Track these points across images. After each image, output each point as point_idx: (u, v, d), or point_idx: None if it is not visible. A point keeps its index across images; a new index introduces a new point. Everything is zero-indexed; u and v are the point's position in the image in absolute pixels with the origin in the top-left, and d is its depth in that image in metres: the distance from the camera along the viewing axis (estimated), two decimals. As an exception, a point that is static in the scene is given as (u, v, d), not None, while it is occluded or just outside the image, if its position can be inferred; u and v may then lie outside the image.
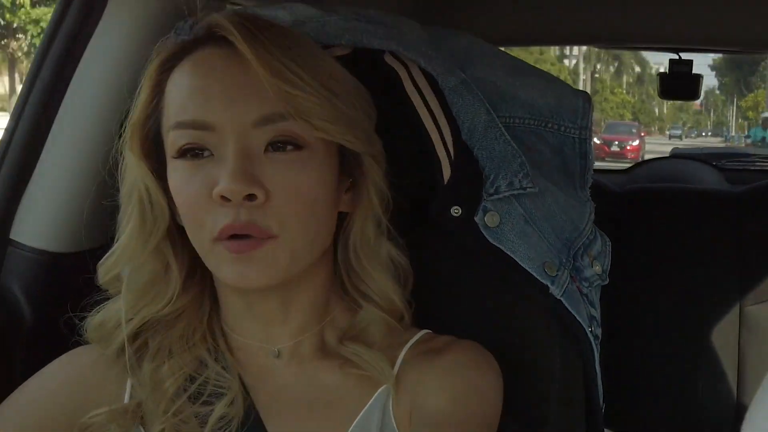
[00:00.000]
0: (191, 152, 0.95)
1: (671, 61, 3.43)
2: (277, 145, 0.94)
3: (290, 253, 0.95)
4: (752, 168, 4.64)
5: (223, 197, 0.91)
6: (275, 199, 0.93)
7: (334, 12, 1.20)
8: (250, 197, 0.91)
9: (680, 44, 3.16)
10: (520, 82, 1.20)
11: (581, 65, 50.34)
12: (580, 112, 1.21)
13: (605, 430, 1.26)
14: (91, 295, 1.07)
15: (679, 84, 3.51)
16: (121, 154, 1.02)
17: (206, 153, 0.94)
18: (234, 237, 0.93)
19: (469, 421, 1.01)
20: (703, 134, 53.81)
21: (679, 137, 47.60)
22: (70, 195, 1.30)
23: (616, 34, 2.86)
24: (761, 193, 2.05)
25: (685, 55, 3.37)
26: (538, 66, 1.32)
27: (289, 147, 0.94)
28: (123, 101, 1.03)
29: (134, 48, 1.26)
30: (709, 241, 1.99)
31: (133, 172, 1.00)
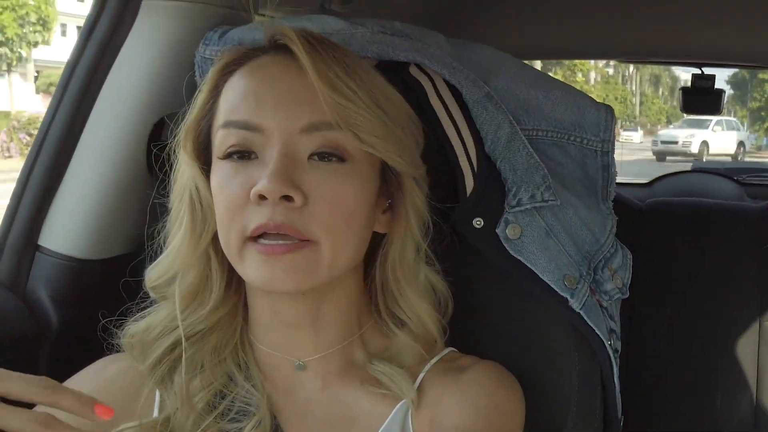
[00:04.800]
0: (237, 154, 0.96)
1: (694, 75, 3.41)
2: (321, 154, 0.95)
3: (322, 260, 0.95)
4: (774, 183, 4.61)
5: (260, 196, 0.92)
6: (313, 205, 0.94)
7: (361, 25, 1.21)
8: (288, 199, 0.92)
9: (703, 59, 3.16)
10: (544, 94, 1.21)
11: (635, 84, 56.64)
12: (603, 124, 1.21)
13: (623, 443, 1.26)
14: (118, 301, 1.08)
15: (701, 99, 3.50)
16: (175, 153, 1.04)
17: (251, 155, 0.96)
18: (265, 237, 0.93)
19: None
20: None
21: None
22: (98, 202, 1.31)
23: (639, 49, 2.86)
24: None
25: (707, 70, 3.37)
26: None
27: (333, 158, 0.96)
28: (151, 110, 1.05)
29: (162, 62, 1.28)
30: (728, 256, 1.98)
31: (185, 172, 1.02)
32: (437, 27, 1.29)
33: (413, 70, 1.18)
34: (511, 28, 2.51)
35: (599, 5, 2.30)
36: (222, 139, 0.97)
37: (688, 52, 2.94)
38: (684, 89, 3.57)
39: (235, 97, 0.98)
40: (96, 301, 1.11)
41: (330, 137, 0.95)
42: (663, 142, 28.26)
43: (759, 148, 36.44)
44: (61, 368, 1.09)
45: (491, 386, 1.04)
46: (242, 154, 0.96)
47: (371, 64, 1.16)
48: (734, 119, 35.77)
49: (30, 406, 1.05)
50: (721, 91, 3.49)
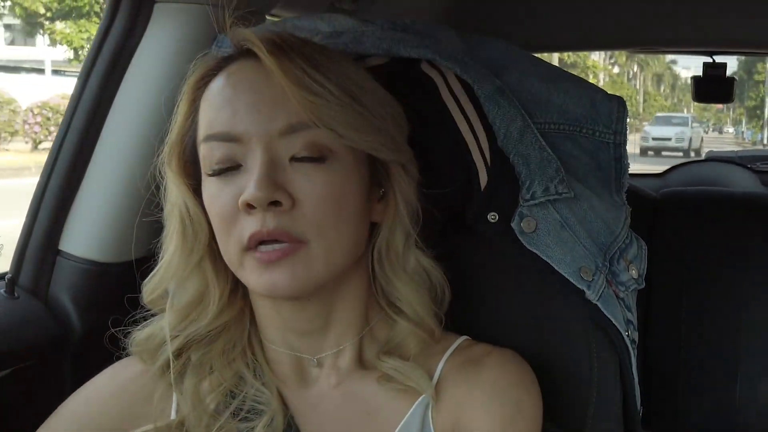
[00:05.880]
0: (223, 170, 0.97)
1: (705, 64, 3.39)
2: (302, 155, 0.96)
3: (316, 259, 0.96)
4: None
5: (248, 205, 0.93)
6: (302, 206, 0.94)
7: (371, 22, 1.22)
8: (276, 203, 0.93)
9: (714, 47, 3.14)
10: (555, 87, 1.20)
11: (639, 82, 60.26)
12: (615, 116, 1.20)
13: (642, 433, 1.26)
14: (138, 306, 1.09)
15: (713, 87, 3.48)
16: (160, 171, 1.05)
17: (236, 166, 0.96)
18: (263, 244, 0.94)
19: None
20: (721, 131, 57.79)
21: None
22: (117, 206, 1.32)
23: (651, 39, 2.85)
24: None
25: (718, 58, 3.34)
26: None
27: (314, 156, 0.96)
28: (166, 112, 1.06)
29: (176, 65, 1.28)
30: (744, 244, 1.97)
31: (173, 189, 1.03)
32: (447, 22, 1.29)
33: (424, 66, 1.18)
34: (522, 22, 2.50)
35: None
36: (206, 154, 0.98)
37: (699, 40, 2.92)
38: (695, 78, 3.53)
39: (212, 109, 0.99)
40: (117, 304, 1.12)
41: (309, 137, 0.95)
42: (655, 139, 30.50)
43: (754, 144, 39.88)
44: (85, 372, 1.10)
45: (514, 388, 1.03)
46: (228, 168, 0.97)
47: (383, 62, 1.16)
48: (695, 116, 40.39)
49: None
50: (732, 79, 3.47)
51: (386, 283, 1.06)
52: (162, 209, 1.07)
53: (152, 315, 1.08)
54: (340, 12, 1.30)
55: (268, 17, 1.37)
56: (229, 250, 0.98)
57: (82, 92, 1.31)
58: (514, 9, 2.38)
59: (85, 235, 1.34)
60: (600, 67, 45.95)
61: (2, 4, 23.81)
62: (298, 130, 0.95)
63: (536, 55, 1.31)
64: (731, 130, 55.46)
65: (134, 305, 1.09)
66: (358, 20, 1.23)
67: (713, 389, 1.93)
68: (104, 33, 1.30)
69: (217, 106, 0.98)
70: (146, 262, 1.09)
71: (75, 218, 1.34)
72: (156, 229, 1.08)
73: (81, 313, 1.32)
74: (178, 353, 1.05)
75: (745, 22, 2.54)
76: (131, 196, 1.30)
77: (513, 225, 1.14)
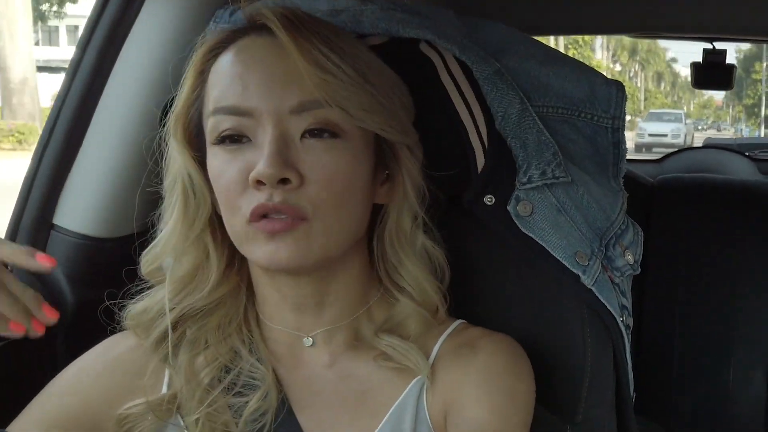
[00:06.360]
0: (230, 138, 0.97)
1: (705, 51, 3.39)
2: (313, 132, 0.95)
3: (321, 237, 0.96)
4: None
5: (258, 181, 0.93)
6: (309, 184, 0.94)
7: (371, 1, 1.21)
8: (284, 181, 0.93)
9: (714, 33, 3.13)
10: (554, 71, 1.20)
11: (641, 82, 62.78)
12: (614, 101, 1.20)
13: (635, 419, 1.26)
14: (132, 281, 1.09)
15: (712, 74, 3.47)
16: (165, 141, 1.04)
17: (245, 139, 0.96)
18: (266, 217, 0.94)
19: (508, 428, 1.01)
20: (719, 128, 58.72)
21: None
22: (112, 181, 1.32)
23: (651, 23, 2.84)
24: None
25: (718, 45, 3.34)
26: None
27: (325, 134, 0.96)
28: (163, 89, 1.06)
29: (175, 36, 1.28)
30: (740, 231, 1.97)
31: (177, 159, 1.02)
32: (447, 4, 1.28)
33: (423, 47, 1.17)
34: (522, 4, 2.49)
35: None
36: (214, 125, 0.97)
37: (699, 26, 2.92)
38: (695, 64, 3.53)
39: (221, 83, 0.98)
40: (111, 279, 1.11)
41: (320, 115, 0.95)
42: (651, 135, 30.71)
43: (752, 141, 41.50)
44: (78, 347, 1.10)
45: (507, 375, 1.03)
46: (235, 138, 0.96)
47: (382, 41, 1.16)
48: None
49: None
50: (732, 66, 3.47)
51: (396, 262, 1.06)
52: (160, 184, 1.06)
53: (147, 289, 1.08)
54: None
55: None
56: (236, 223, 0.97)
57: (78, 64, 1.31)
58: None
59: (80, 210, 1.34)
60: (603, 66, 46.62)
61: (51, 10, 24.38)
62: (309, 108, 0.95)
63: (536, 38, 1.30)
64: (729, 128, 56.18)
65: (128, 280, 1.09)
66: None
67: (706, 376, 1.93)
68: (101, 8, 1.29)
69: (227, 81, 0.98)
70: (140, 237, 1.09)
71: (69, 193, 1.34)
72: (151, 204, 1.08)
73: (74, 287, 1.32)
74: (173, 328, 1.05)
75: (746, 8, 2.53)
76: (126, 171, 1.30)
77: (509, 208, 1.14)
